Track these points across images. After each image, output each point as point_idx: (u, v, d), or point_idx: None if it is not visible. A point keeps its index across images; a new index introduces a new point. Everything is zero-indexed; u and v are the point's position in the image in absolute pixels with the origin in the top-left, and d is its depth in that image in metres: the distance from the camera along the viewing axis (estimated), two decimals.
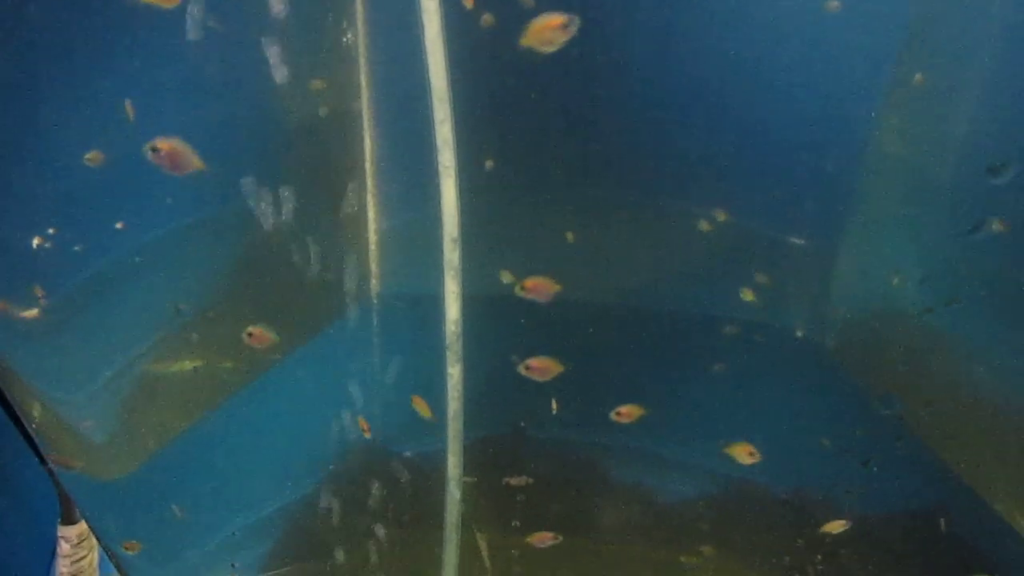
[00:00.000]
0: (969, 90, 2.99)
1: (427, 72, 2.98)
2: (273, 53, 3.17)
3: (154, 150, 2.56)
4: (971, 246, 3.09)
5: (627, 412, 3.10)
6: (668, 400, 3.78)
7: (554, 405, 3.50)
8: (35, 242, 3.08)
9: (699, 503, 3.83)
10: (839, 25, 2.95)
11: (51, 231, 3.10)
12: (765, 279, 3.44)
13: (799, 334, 3.52)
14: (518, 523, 3.73)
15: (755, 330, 3.51)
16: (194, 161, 2.65)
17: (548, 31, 2.48)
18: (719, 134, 3.23)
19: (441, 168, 3.06)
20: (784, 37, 3.03)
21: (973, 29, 2.93)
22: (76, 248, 3.20)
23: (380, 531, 3.78)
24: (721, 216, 3.33)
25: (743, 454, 3.24)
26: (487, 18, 2.84)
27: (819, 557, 3.67)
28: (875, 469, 3.47)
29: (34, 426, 3.27)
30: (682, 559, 3.87)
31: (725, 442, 3.62)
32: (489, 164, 3.09)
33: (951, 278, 3.24)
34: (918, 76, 3.06)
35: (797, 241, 3.39)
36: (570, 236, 3.29)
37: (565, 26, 2.44)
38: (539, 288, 3.01)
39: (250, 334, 2.94)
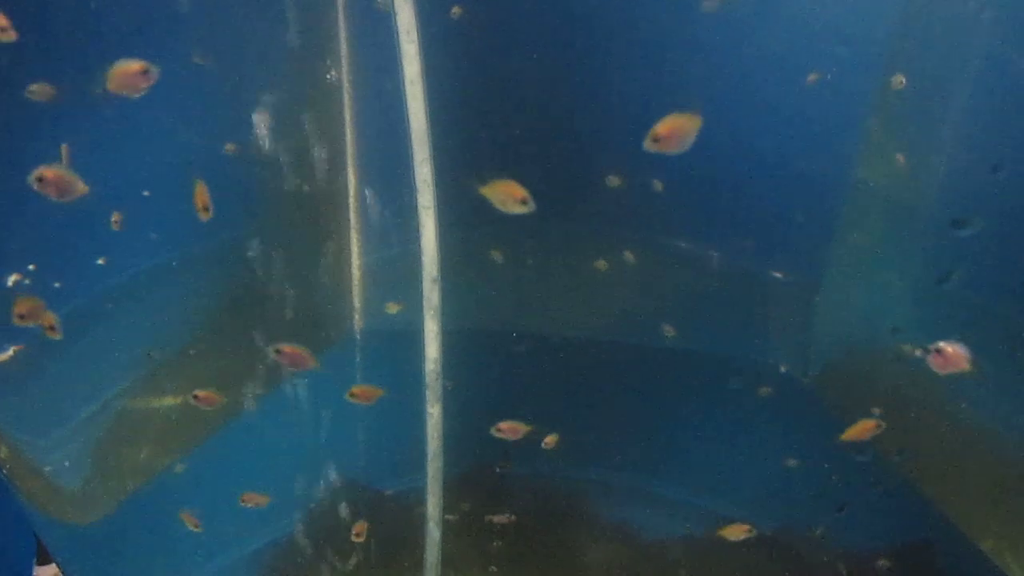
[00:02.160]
0: (939, 146, 3.05)
1: (407, 113, 3.00)
2: (256, 92, 3.19)
3: (40, 179, 2.49)
4: (944, 290, 3.12)
5: (509, 428, 3.10)
6: (650, 437, 3.78)
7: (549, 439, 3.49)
8: (11, 280, 3.07)
9: (681, 541, 3.81)
10: (819, 83, 3.01)
11: (31, 268, 3.08)
12: (751, 319, 3.47)
13: (782, 373, 3.53)
14: (495, 568, 3.70)
15: (739, 372, 3.52)
16: (79, 186, 2.59)
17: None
18: (704, 176, 3.27)
19: (421, 208, 3.07)
20: (769, 87, 3.09)
21: (945, 90, 3.00)
22: (56, 285, 3.19)
23: (358, 572, 3.74)
24: (703, 255, 3.35)
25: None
26: None
27: None
28: (856, 509, 3.46)
29: (5, 471, 3.23)
30: None
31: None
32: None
33: (924, 323, 3.27)
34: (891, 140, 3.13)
35: (780, 280, 3.41)
36: (602, 264, 3.29)
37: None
38: (366, 395, 3.05)
39: (196, 396, 2.90)
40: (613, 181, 3.24)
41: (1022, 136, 2.83)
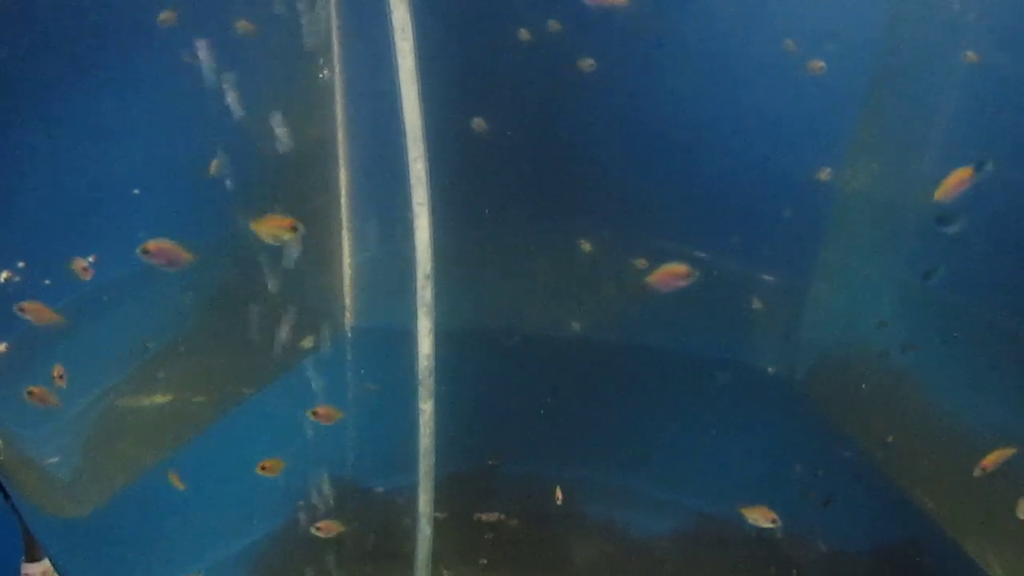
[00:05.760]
0: (926, 145, 3.09)
1: (401, 110, 3.02)
2: (250, 91, 3.20)
3: None
4: (928, 290, 3.15)
5: (324, 413, 3.16)
6: (640, 436, 3.80)
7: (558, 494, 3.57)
8: (2, 277, 3.06)
9: (668, 539, 3.83)
10: (809, 79, 3.04)
11: (20, 265, 3.08)
12: (738, 318, 3.50)
13: (769, 372, 3.56)
14: (486, 560, 3.71)
15: (726, 370, 3.55)
16: None
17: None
18: (693, 176, 3.30)
19: (415, 205, 3.09)
20: (756, 88, 3.12)
21: (931, 88, 3.04)
22: (46, 282, 3.18)
23: (349, 568, 3.74)
24: (692, 256, 3.38)
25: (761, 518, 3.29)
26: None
27: None
28: (841, 506, 3.49)
29: None
30: None
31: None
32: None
33: (910, 322, 3.31)
34: (879, 130, 3.16)
35: (767, 279, 3.44)
36: (592, 263, 3.35)
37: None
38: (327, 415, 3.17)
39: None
40: (604, 181, 3.27)
41: (1007, 134, 2.87)
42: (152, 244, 2.68)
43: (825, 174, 3.18)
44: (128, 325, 3.40)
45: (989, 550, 3.31)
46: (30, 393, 3.01)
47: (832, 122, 3.22)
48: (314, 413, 3.23)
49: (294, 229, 2.75)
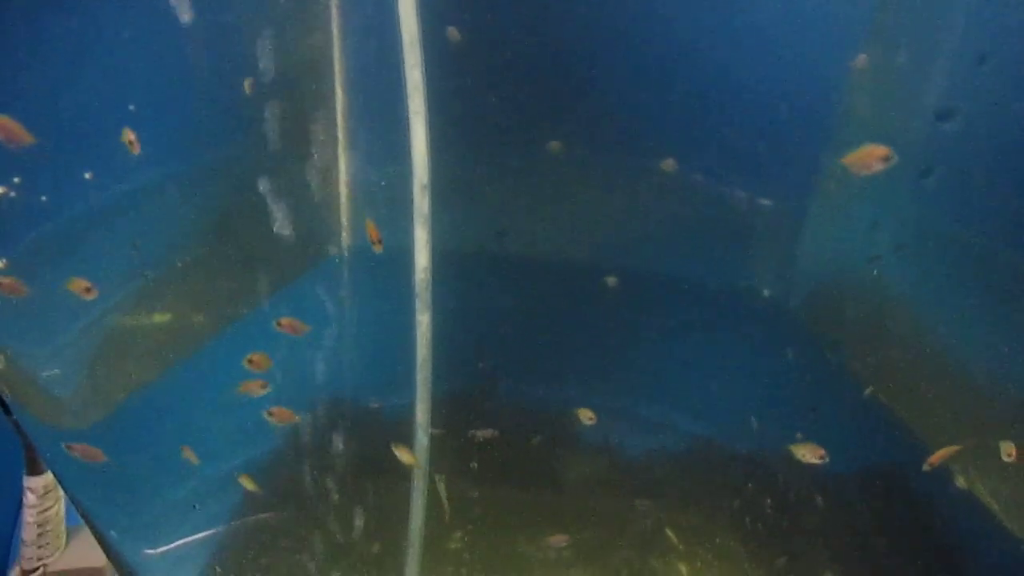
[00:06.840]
0: (926, 43, 3.05)
1: (398, 19, 2.98)
2: (243, 6, 3.16)
3: None
4: (928, 218, 3.15)
5: (288, 324, 3.23)
6: (630, 356, 3.83)
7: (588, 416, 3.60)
8: None
9: (653, 454, 3.89)
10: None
11: (16, 181, 3.07)
12: (724, 235, 3.50)
13: (764, 295, 3.58)
14: (476, 465, 3.76)
15: (712, 288, 3.57)
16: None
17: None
18: (684, 94, 3.27)
19: (411, 114, 3.06)
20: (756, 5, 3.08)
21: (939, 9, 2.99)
22: (43, 199, 3.18)
23: (347, 479, 3.80)
24: (683, 175, 3.37)
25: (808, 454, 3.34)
26: None
27: (768, 501, 3.74)
28: (832, 429, 3.53)
29: None
30: (636, 503, 3.93)
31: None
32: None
33: (901, 227, 3.31)
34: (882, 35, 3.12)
35: (764, 203, 3.44)
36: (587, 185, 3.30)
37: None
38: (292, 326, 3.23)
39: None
40: (603, 100, 3.24)
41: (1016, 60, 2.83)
42: None
43: (828, 94, 3.15)
44: (127, 243, 3.40)
45: (975, 473, 3.36)
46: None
47: (834, 44, 3.19)
48: (278, 324, 3.27)
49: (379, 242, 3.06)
